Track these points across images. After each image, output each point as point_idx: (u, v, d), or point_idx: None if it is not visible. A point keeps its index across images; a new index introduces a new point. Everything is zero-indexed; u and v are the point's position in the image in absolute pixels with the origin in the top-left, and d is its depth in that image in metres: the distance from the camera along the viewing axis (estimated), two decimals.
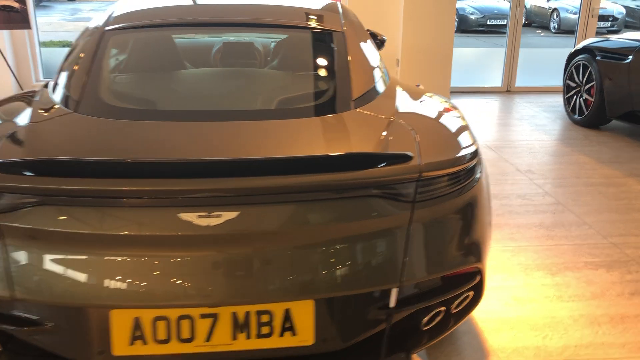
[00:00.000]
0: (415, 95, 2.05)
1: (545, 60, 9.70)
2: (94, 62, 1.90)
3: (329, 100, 1.76)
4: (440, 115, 1.84)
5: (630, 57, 4.71)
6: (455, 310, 1.71)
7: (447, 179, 1.55)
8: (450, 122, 1.81)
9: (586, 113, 5.25)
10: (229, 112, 1.70)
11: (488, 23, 14.33)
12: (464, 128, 1.80)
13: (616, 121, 5.05)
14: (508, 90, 7.05)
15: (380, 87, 1.96)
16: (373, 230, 1.42)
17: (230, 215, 1.33)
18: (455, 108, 2.04)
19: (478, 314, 2.33)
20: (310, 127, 1.59)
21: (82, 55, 1.98)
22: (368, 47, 2.22)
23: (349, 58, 1.98)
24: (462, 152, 1.62)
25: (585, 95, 5.28)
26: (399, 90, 2.01)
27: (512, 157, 4.43)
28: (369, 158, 1.42)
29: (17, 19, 5.44)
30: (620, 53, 4.86)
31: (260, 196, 1.35)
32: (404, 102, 1.87)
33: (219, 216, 1.32)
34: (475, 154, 1.69)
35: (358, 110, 1.71)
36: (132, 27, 2.16)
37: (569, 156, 4.47)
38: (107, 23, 2.18)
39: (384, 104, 1.79)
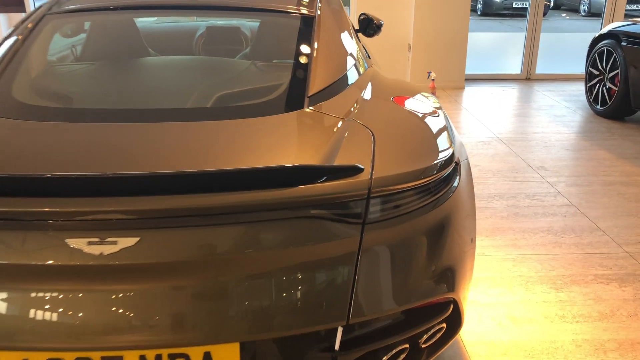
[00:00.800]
0: (391, 89, 1.78)
1: (570, 46, 9.23)
2: (17, 53, 1.67)
3: (278, 96, 1.50)
4: (412, 114, 1.57)
5: None
6: (426, 345, 1.45)
7: (411, 193, 1.29)
8: (424, 122, 1.54)
9: (609, 103, 4.87)
10: (151, 112, 1.44)
11: (514, 6, 13.78)
12: (440, 130, 1.53)
13: None
14: (527, 77, 6.67)
15: (349, 80, 1.69)
16: (312, 259, 1.17)
17: (130, 242, 1.08)
18: (436, 105, 1.76)
19: (467, 336, 2.07)
20: (245, 130, 1.33)
21: (10, 43, 1.75)
22: (344, 34, 1.95)
23: (315, 46, 1.71)
24: (432, 160, 1.35)
25: (608, 84, 4.90)
26: (372, 84, 1.73)
27: (525, 151, 4.10)
28: (306, 172, 1.17)
29: (11, 2, 5.28)
30: None
31: (169, 219, 1.11)
32: (371, 99, 1.60)
33: (114, 243, 1.08)
34: (449, 160, 1.42)
35: (311, 109, 1.45)
36: (78, 10, 1.93)
37: (587, 151, 4.12)
38: (53, 4, 1.95)
39: (346, 101, 1.53)
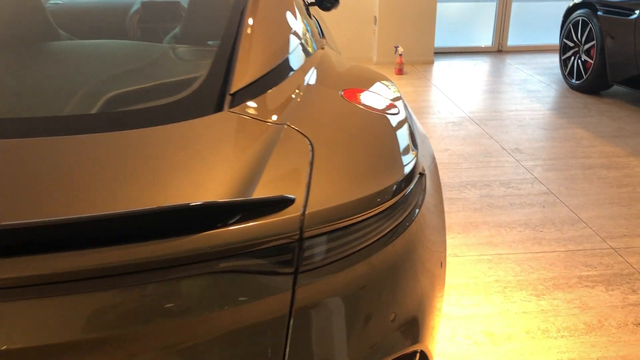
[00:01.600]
0: (342, 78, 1.45)
1: (544, 15, 8.97)
2: None
3: (190, 95, 1.15)
4: (366, 113, 1.24)
5: (637, 12, 4.05)
6: None
7: (360, 227, 0.97)
8: (381, 123, 1.21)
9: (585, 77, 4.62)
10: (7, 123, 1.08)
11: None
12: (401, 132, 1.21)
13: (618, 87, 4.42)
14: (499, 50, 6.39)
15: (289, 68, 1.35)
16: (227, 328, 0.85)
17: None
18: (396, 97, 1.43)
19: (437, 359, 1.79)
20: (134, 148, 0.98)
21: None
22: (286, 9, 1.60)
23: (246, 25, 1.37)
24: (390, 179, 1.04)
25: (584, 57, 4.64)
26: (318, 73, 1.40)
27: (498, 132, 3.82)
28: (215, 211, 0.84)
29: None
30: (625, 8, 4.19)
31: (22, 289, 0.77)
32: (315, 93, 1.27)
33: None
34: (412, 174, 1.10)
35: (234, 111, 1.11)
36: None
37: (564, 130, 3.87)
38: None
39: (281, 98, 1.20)
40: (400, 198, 1.07)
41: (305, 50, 1.57)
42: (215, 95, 1.16)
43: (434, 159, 1.47)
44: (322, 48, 1.81)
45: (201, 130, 1.05)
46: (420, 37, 5.86)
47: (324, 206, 0.91)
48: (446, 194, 2.91)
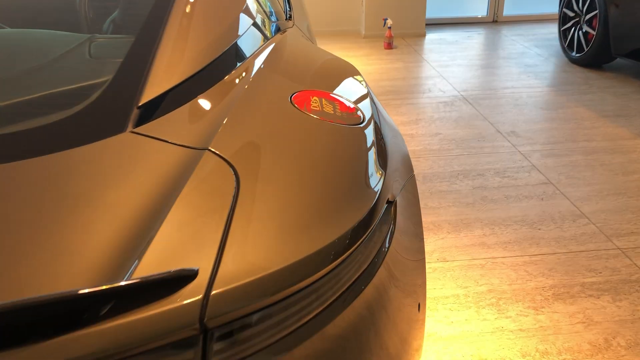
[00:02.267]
0: (296, 77, 1.16)
1: None
2: None
3: (82, 111, 0.88)
4: (317, 128, 0.97)
5: None
6: None
7: (297, 300, 0.71)
8: (335, 144, 0.94)
9: (586, 49, 4.32)
10: None
11: None
12: (359, 156, 0.93)
13: (622, 60, 4.13)
14: (495, 20, 6.06)
15: (225, 66, 1.07)
16: None
17: None
18: (362, 98, 1.15)
19: None
20: None
21: None
22: None
23: (172, 14, 1.09)
24: (338, 229, 0.77)
25: (585, 28, 4.33)
26: (265, 71, 1.12)
27: (493, 112, 3.55)
28: (72, 305, 0.58)
29: None
30: None
31: None
32: (256, 101, 0.99)
33: None
34: (371, 216, 0.84)
35: (138, 131, 0.84)
36: None
37: (564, 109, 3.59)
38: None
39: (208, 111, 0.92)
40: (359, 246, 0.81)
41: (254, 39, 1.28)
42: (117, 109, 0.88)
43: (410, 171, 1.20)
44: (283, 32, 1.53)
45: (89, 163, 0.78)
46: (411, 8, 5.52)
47: (239, 280, 0.65)
48: (436, 186, 2.65)
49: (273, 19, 1.66)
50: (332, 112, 1.02)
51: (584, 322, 1.80)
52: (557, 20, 4.77)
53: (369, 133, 1.02)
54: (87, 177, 0.75)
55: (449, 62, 4.67)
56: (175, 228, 0.68)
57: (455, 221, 2.37)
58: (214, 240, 0.68)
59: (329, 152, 0.90)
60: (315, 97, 1.06)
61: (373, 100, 1.24)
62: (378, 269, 0.86)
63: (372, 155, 0.97)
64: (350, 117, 1.03)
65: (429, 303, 1.89)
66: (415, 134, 3.25)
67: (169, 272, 0.62)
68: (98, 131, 0.84)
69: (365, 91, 1.23)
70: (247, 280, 0.65)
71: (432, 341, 1.74)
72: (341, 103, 1.08)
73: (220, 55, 1.09)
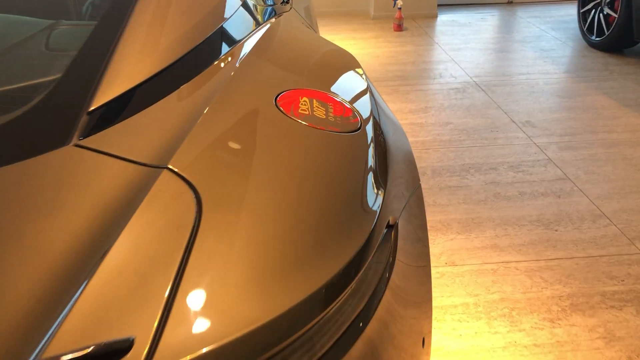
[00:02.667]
0: (287, 72, 1.00)
1: None
2: None
3: (20, 117, 0.73)
4: (304, 137, 0.81)
5: None
6: None
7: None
8: (324, 158, 0.78)
9: (607, 33, 4.10)
10: None
11: None
12: (352, 171, 0.78)
13: None
14: (510, 1, 5.82)
15: (204, 59, 0.92)
16: None
17: None
18: (360, 95, 0.99)
19: None
20: None
21: None
22: None
23: (131, 9, 0.92)
24: (325, 274, 0.62)
25: (606, 10, 4.11)
26: (250, 64, 0.96)
27: (507, 100, 3.36)
28: None
29: None
30: None
31: None
32: (234, 105, 0.83)
33: None
34: (365, 252, 0.69)
35: (85, 144, 0.69)
36: None
37: (582, 97, 3.40)
38: None
39: (173, 118, 0.77)
40: (351, 290, 0.67)
41: (242, 25, 1.12)
42: (61, 116, 0.73)
43: (416, 181, 1.04)
44: (278, 16, 1.37)
45: (3, 193, 0.63)
46: None
47: (189, 353, 0.50)
48: (445, 181, 2.49)
49: (269, 1, 1.50)
50: (324, 117, 0.87)
51: (605, 338, 1.65)
52: (576, 2, 4.53)
53: (367, 142, 0.86)
54: (7, 208, 0.60)
55: (461, 46, 4.47)
56: (110, 279, 0.54)
57: (465, 220, 2.22)
58: (158, 296, 0.53)
59: (318, 169, 0.75)
60: (304, 98, 0.91)
61: (373, 96, 1.08)
62: (373, 313, 0.71)
63: (369, 169, 0.81)
64: (345, 123, 0.87)
65: (435, 313, 1.75)
66: (424, 123, 3.08)
67: (94, 345, 0.47)
68: (33, 145, 0.69)
69: (364, 86, 1.07)
70: (200, 354, 0.50)
71: (439, 357, 1.59)
72: (336, 104, 0.92)
73: (196, 47, 0.93)
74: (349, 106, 0.93)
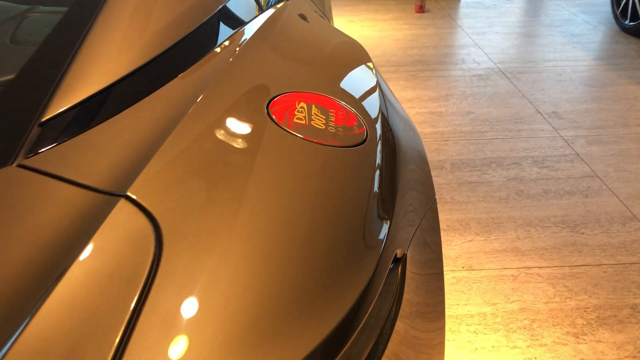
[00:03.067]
0: (285, 73, 0.88)
1: None
2: None
3: None
4: (298, 154, 0.69)
5: None
6: None
7: None
8: (322, 180, 0.66)
9: None
10: None
11: None
12: (355, 198, 0.66)
13: None
14: None
15: (190, 56, 0.80)
16: None
17: None
18: (367, 94, 0.86)
19: None
20: None
21: None
22: None
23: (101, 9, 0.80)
24: (315, 337, 0.51)
25: None
26: (243, 62, 0.84)
27: (533, 89, 3.19)
28: None
29: None
30: None
31: None
32: (216, 114, 0.71)
33: None
34: (365, 296, 0.57)
35: (30, 164, 0.58)
36: None
37: (614, 87, 3.21)
38: None
39: (141, 126, 0.65)
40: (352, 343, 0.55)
41: (240, 13, 1.00)
42: (7, 126, 0.62)
43: (431, 196, 0.92)
44: (285, 1, 1.23)
45: None
46: None
47: None
48: (465, 177, 2.35)
49: None
50: (323, 127, 0.74)
51: (635, 357, 1.52)
52: None
53: (373, 157, 0.74)
54: None
55: (485, 29, 4.28)
56: (36, 343, 0.43)
57: (485, 220, 2.08)
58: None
59: (312, 195, 0.63)
60: (302, 104, 0.78)
61: (384, 94, 0.96)
62: (381, 354, 0.60)
63: (374, 192, 0.69)
64: (347, 135, 0.75)
65: (450, 323, 1.63)
66: (444, 113, 2.93)
67: None
68: None
69: (373, 83, 0.94)
70: None
71: None
72: (338, 110, 0.80)
73: (181, 40, 0.81)
74: (353, 112, 0.80)
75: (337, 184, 0.66)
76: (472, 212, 2.13)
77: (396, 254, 0.67)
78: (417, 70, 3.50)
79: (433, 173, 2.37)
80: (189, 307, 0.48)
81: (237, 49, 0.88)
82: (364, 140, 0.75)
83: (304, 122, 0.74)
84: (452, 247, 1.94)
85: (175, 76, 0.76)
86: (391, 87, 3.25)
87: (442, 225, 2.05)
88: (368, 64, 1.03)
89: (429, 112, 2.94)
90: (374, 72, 1.00)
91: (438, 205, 2.16)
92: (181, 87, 0.74)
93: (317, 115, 0.76)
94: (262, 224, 0.56)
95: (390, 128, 0.87)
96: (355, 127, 0.77)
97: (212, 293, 0.49)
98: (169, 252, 0.51)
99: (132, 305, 0.46)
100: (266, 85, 0.80)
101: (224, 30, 0.91)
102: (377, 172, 0.71)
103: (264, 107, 0.74)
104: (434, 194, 0.94)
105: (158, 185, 0.57)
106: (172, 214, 0.55)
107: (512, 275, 1.82)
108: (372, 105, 0.86)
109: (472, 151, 2.55)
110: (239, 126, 0.69)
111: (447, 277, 1.81)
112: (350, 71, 0.96)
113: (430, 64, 3.60)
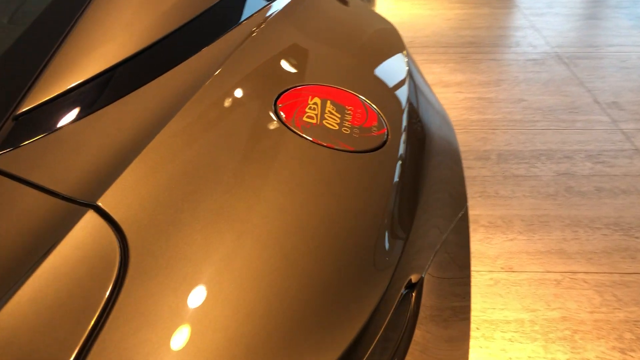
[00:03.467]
0: (303, 60, 0.79)
1: None
2: None
3: None
4: (305, 159, 0.60)
5: None
6: None
7: None
8: (329, 189, 0.57)
9: None
10: None
11: None
12: (366, 214, 0.57)
13: None
14: None
15: (188, 46, 0.72)
16: None
17: None
18: (396, 88, 0.77)
19: None
20: None
21: None
22: None
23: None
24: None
25: None
26: (255, 49, 0.75)
27: (592, 76, 2.98)
28: None
29: None
30: None
31: None
32: (214, 111, 0.63)
33: None
34: (368, 327, 0.49)
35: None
36: None
37: None
38: None
39: (126, 123, 0.58)
40: None
41: None
42: None
43: (461, 204, 0.82)
44: None
45: None
46: None
47: None
48: (511, 169, 2.21)
49: None
50: (336, 128, 0.66)
51: None
52: None
53: (392, 164, 0.64)
54: None
55: (544, 10, 4.03)
56: None
57: (530, 217, 1.95)
58: None
59: (310, 210, 0.55)
60: (316, 99, 0.69)
61: (416, 86, 0.86)
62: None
63: (388, 206, 0.60)
64: (364, 137, 0.66)
65: (484, 328, 1.53)
66: (494, 99, 2.77)
67: None
68: None
69: (403, 75, 0.84)
70: None
71: None
72: (357, 107, 0.71)
73: (187, 23, 0.73)
74: (375, 110, 0.71)
75: (345, 196, 0.57)
76: (517, 208, 2.00)
77: (410, 280, 0.58)
78: (468, 53, 3.33)
79: (477, 164, 2.24)
80: (144, 352, 0.40)
81: (251, 32, 0.79)
82: (383, 144, 0.66)
83: (314, 121, 0.65)
84: (492, 246, 1.83)
85: (175, 65, 0.68)
86: (439, 70, 3.10)
87: (483, 222, 1.93)
88: (401, 52, 0.93)
89: (478, 97, 2.79)
90: (407, 62, 0.90)
91: (480, 199, 2.04)
92: (181, 77, 0.66)
93: (331, 113, 0.68)
94: (247, 250, 0.49)
95: (420, 126, 0.78)
96: (374, 128, 0.68)
97: (177, 333, 0.42)
98: (133, 280, 0.44)
99: (79, 346, 0.40)
100: (279, 76, 0.72)
101: (237, 11, 0.83)
102: (396, 181, 0.62)
103: (271, 103, 0.66)
104: (466, 202, 0.84)
105: (134, 196, 0.50)
106: (145, 231, 0.48)
107: (555, 280, 1.69)
108: (400, 100, 0.77)
109: (521, 142, 2.40)
110: (238, 126, 0.61)
111: (484, 278, 1.70)
112: (379, 61, 0.86)
113: (482, 46, 3.42)
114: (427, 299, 0.62)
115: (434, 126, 0.84)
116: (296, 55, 0.78)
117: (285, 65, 0.75)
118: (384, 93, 0.76)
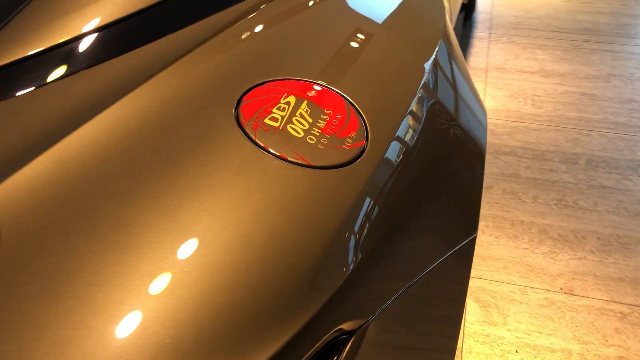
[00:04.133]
0: (294, 42, 0.70)
1: None
2: None
3: None
4: (258, 171, 0.52)
5: None
6: None
7: None
8: (269, 224, 0.49)
9: None
10: None
11: None
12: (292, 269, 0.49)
13: None
14: None
15: (171, 16, 0.66)
16: None
17: None
18: (413, 83, 0.66)
19: None
20: None
21: None
22: None
23: None
24: None
25: None
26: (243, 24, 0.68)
27: None
28: None
29: None
30: None
31: None
32: (162, 100, 0.57)
33: None
34: None
35: None
36: None
37: None
38: None
39: (54, 110, 0.54)
40: None
41: None
42: None
43: (468, 231, 0.71)
44: None
45: None
46: None
47: None
48: (600, 178, 1.98)
49: None
50: (301, 135, 0.57)
51: None
52: None
53: (358, 183, 0.55)
54: None
55: None
56: None
57: (608, 236, 1.74)
58: None
59: (233, 231, 0.47)
60: (290, 97, 0.61)
61: (452, 82, 0.75)
62: None
63: (329, 239, 0.51)
64: (332, 148, 0.57)
65: (523, 352, 1.39)
66: (598, 96, 2.49)
67: None
68: None
69: (419, 74, 0.72)
70: None
71: None
72: (338, 111, 0.61)
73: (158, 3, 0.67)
74: (359, 118, 0.62)
75: (279, 219, 0.49)
76: (595, 223, 1.79)
77: (341, 329, 0.50)
78: (581, 40, 3.01)
79: (561, 167, 2.03)
80: None
81: (246, 16, 0.72)
82: (354, 160, 0.57)
83: (277, 124, 0.57)
84: (556, 262, 1.65)
85: (146, 42, 0.62)
86: (543, 57, 2.83)
87: (552, 233, 1.75)
88: (432, 41, 0.81)
89: (581, 92, 2.52)
90: (436, 54, 0.78)
91: (555, 208, 1.84)
92: (143, 58, 0.61)
93: (302, 116, 0.59)
94: (133, 269, 0.43)
95: (422, 141, 0.67)
96: (349, 140, 0.58)
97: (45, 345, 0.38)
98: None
99: None
100: (258, 66, 0.64)
101: None
102: (352, 208, 0.53)
103: (235, 98, 0.59)
104: (476, 229, 0.72)
105: (26, 199, 0.46)
106: (31, 242, 0.43)
107: (620, 312, 1.50)
108: (400, 107, 0.66)
109: (619, 149, 2.14)
110: (181, 124, 0.55)
111: (538, 296, 1.54)
112: (393, 53, 0.75)
113: (599, 35, 3.07)
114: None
115: (450, 142, 0.72)
116: (290, 40, 0.70)
117: (271, 52, 0.67)
118: (382, 97, 0.66)
